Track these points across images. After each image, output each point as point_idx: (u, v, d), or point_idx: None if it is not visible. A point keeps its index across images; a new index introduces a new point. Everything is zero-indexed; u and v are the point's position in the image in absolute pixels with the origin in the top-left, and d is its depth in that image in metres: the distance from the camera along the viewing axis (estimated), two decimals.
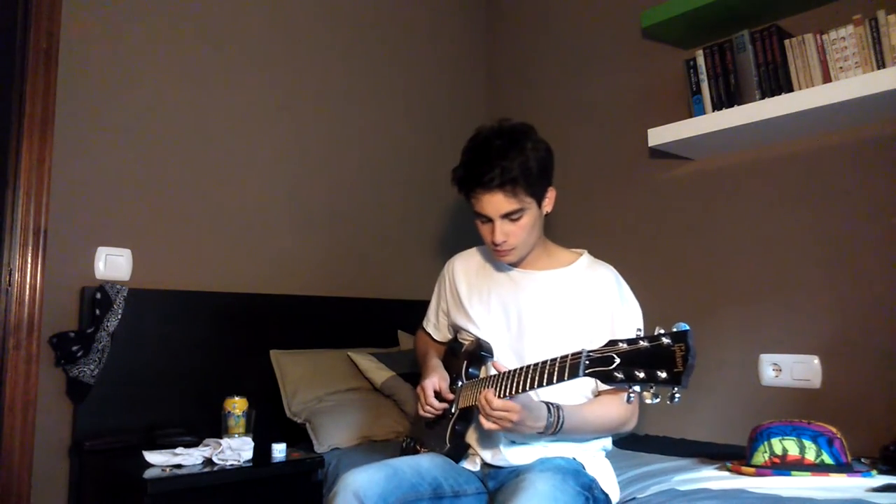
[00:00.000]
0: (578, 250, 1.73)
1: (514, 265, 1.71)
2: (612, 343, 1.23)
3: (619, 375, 1.19)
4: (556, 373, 1.31)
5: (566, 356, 1.31)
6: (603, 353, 1.23)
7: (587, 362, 1.25)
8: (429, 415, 1.64)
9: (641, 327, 1.38)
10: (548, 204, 1.65)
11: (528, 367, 1.38)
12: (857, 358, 1.98)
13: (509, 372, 1.42)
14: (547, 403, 1.44)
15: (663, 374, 1.13)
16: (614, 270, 1.69)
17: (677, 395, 1.13)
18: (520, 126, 1.62)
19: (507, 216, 1.58)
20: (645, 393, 1.17)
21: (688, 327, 1.14)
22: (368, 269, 2.80)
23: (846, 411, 1.93)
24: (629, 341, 1.21)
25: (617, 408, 1.54)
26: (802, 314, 2.10)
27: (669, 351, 1.14)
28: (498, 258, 1.67)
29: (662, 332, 1.17)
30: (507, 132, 1.59)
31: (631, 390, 1.20)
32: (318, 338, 2.54)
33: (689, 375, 1.11)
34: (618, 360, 1.20)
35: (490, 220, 1.60)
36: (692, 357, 1.12)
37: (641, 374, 1.16)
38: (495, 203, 1.57)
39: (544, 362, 1.35)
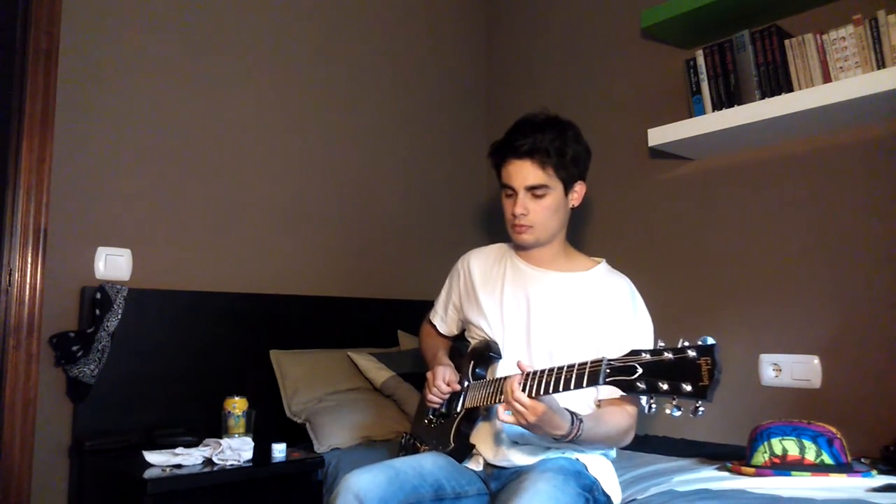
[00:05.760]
0: (597, 258, 1.73)
1: (531, 260, 1.70)
2: (635, 353, 1.22)
3: (642, 386, 1.18)
4: (573, 379, 1.30)
5: (585, 363, 1.29)
6: (625, 363, 1.22)
7: (608, 370, 1.24)
8: (435, 398, 1.64)
9: (652, 342, 1.37)
10: (576, 198, 1.68)
11: (546, 370, 1.36)
12: (857, 358, 1.98)
13: (530, 373, 1.40)
14: (570, 412, 1.42)
15: (688, 387, 1.12)
16: (630, 282, 1.68)
17: (701, 409, 1.12)
18: (567, 119, 1.67)
19: (531, 190, 1.60)
20: (666, 405, 1.16)
21: (714, 341, 1.13)
22: (368, 269, 2.80)
23: (846, 411, 1.94)
24: (652, 352, 1.20)
25: (624, 420, 1.53)
26: (802, 314, 2.11)
27: (695, 364, 1.13)
28: (515, 236, 1.67)
29: (687, 344, 1.16)
30: (552, 117, 1.65)
31: (652, 401, 1.19)
32: (318, 338, 2.54)
33: (715, 390, 1.11)
34: (640, 370, 1.19)
35: (514, 193, 1.62)
36: (718, 371, 1.11)
37: (665, 386, 1.15)
38: (523, 171, 1.59)
39: (561, 367, 1.34)
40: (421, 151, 3.02)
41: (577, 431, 1.39)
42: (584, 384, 1.28)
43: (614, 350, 1.27)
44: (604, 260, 1.72)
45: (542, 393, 1.35)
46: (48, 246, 2.08)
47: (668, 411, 1.16)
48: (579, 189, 1.67)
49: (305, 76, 2.68)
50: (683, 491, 1.53)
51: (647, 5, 2.38)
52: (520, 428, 1.39)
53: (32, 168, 2.06)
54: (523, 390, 1.37)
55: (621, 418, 1.53)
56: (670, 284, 2.43)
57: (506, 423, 1.39)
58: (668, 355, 1.17)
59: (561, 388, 1.31)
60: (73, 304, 2.12)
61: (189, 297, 2.29)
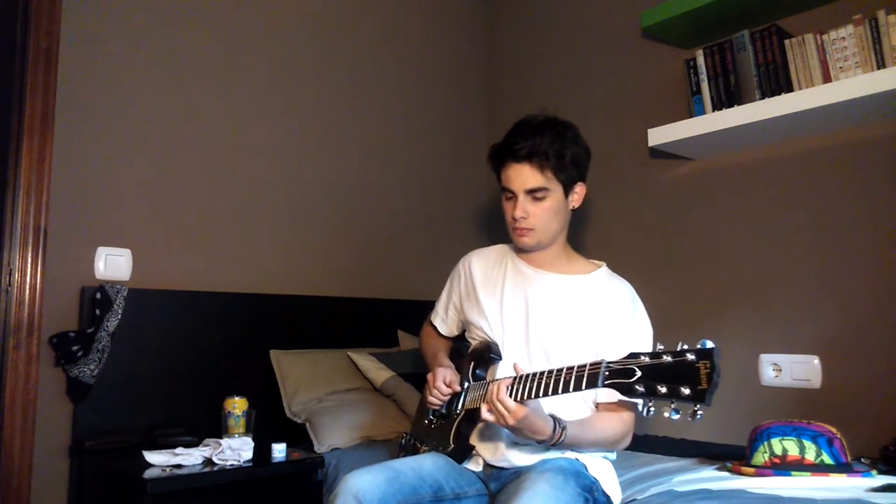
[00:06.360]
0: (598, 262, 1.72)
1: (531, 262, 1.70)
2: (634, 356, 1.22)
3: (640, 389, 1.18)
4: (572, 381, 1.30)
5: (584, 365, 1.29)
6: (624, 366, 1.22)
7: (607, 373, 1.24)
8: (436, 400, 1.64)
9: (650, 348, 1.38)
10: (576, 199, 1.67)
11: (544, 372, 1.36)
12: (857, 358, 1.98)
13: (524, 375, 1.40)
14: (554, 418, 1.42)
15: (686, 391, 1.12)
16: (631, 287, 1.67)
17: (700, 413, 1.12)
18: (565, 120, 1.66)
19: (531, 193, 1.59)
20: (664, 408, 1.16)
21: (714, 345, 1.13)
22: (368, 269, 2.80)
23: (846, 411, 1.94)
24: (651, 355, 1.20)
25: (616, 425, 1.53)
26: (802, 314, 2.11)
27: (694, 367, 1.13)
28: (516, 239, 1.67)
29: (686, 347, 1.16)
30: (551, 118, 1.64)
31: (651, 404, 1.19)
32: (318, 338, 2.54)
33: (713, 393, 1.11)
34: (639, 373, 1.19)
35: (514, 196, 1.61)
36: (717, 375, 1.11)
37: (663, 389, 1.15)
38: (522, 175, 1.59)
39: (560, 369, 1.34)
40: (421, 151, 3.02)
41: (559, 437, 1.41)
42: (583, 386, 1.28)
43: (613, 354, 1.27)
44: (605, 264, 1.72)
45: (539, 395, 1.35)
46: (48, 246, 2.08)
47: (666, 415, 1.16)
48: (579, 190, 1.67)
49: (306, 77, 2.68)
50: (683, 491, 1.53)
51: (647, 5, 2.38)
52: None
53: (32, 168, 2.06)
54: (520, 392, 1.38)
55: (612, 424, 1.53)
56: (670, 284, 2.43)
57: (487, 421, 1.41)
58: (667, 358, 1.17)
59: (560, 391, 1.32)
60: (73, 304, 2.12)
61: (189, 297, 2.29)
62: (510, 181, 1.61)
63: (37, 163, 2.07)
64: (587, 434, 1.49)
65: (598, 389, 1.28)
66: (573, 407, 1.54)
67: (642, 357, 1.21)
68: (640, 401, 1.20)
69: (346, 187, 2.76)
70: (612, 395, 1.28)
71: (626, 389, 1.20)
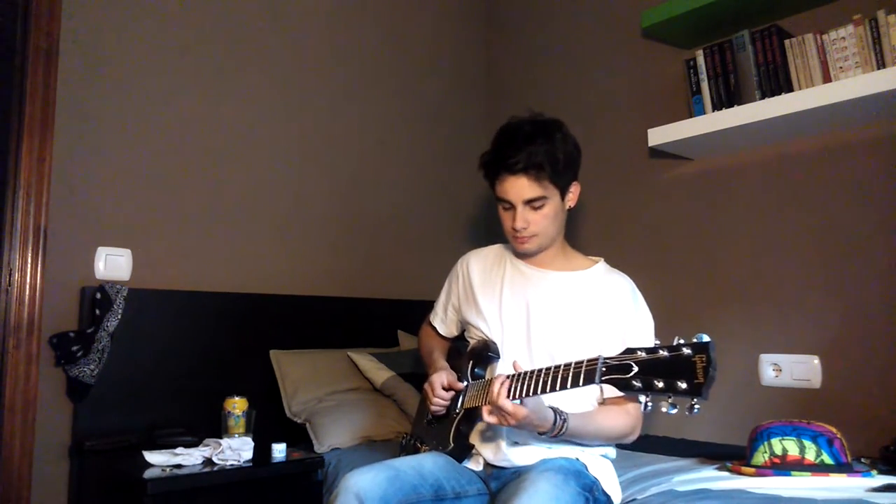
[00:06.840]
0: (595, 258, 1.72)
1: (530, 261, 1.70)
2: (630, 351, 1.22)
3: (637, 384, 1.19)
4: (570, 378, 1.31)
5: (581, 362, 1.30)
6: (621, 361, 1.23)
7: (604, 369, 1.25)
8: (438, 407, 1.64)
9: (652, 339, 1.38)
10: (571, 199, 1.67)
11: (542, 370, 1.37)
12: (857, 358, 1.98)
13: (522, 373, 1.41)
14: (554, 410, 1.43)
15: (683, 385, 1.13)
16: (630, 280, 1.67)
17: (696, 407, 1.13)
18: (551, 119, 1.65)
19: (529, 203, 1.59)
20: (662, 403, 1.17)
21: (709, 339, 1.14)
22: (368, 269, 2.80)
23: (846, 411, 1.94)
24: (648, 350, 1.20)
25: (621, 419, 1.53)
26: (802, 314, 2.10)
27: (690, 362, 1.14)
28: (517, 246, 1.67)
29: (682, 342, 1.16)
30: (537, 122, 1.63)
31: (648, 399, 1.19)
32: (318, 338, 2.54)
33: (710, 387, 1.11)
34: (636, 369, 1.20)
35: (512, 207, 1.61)
36: (713, 369, 1.11)
37: (660, 384, 1.16)
38: (519, 187, 1.58)
39: (557, 367, 1.34)
40: (421, 151, 3.02)
41: (560, 430, 1.42)
42: (581, 383, 1.29)
43: (615, 348, 1.27)
44: (602, 259, 1.72)
45: (538, 392, 1.35)
46: (48, 246, 2.08)
47: (664, 409, 1.17)
48: (574, 190, 1.67)
49: (305, 78, 2.68)
50: (683, 491, 1.53)
51: (647, 5, 2.38)
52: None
53: (32, 168, 2.06)
54: (519, 390, 1.38)
55: (617, 418, 1.53)
56: (670, 284, 2.42)
57: (489, 423, 1.41)
58: (664, 353, 1.18)
59: (558, 388, 1.32)
60: (73, 304, 2.12)
61: (189, 297, 2.29)
62: (507, 193, 1.60)
63: (37, 163, 2.07)
64: (590, 426, 1.50)
65: (601, 385, 1.28)
66: (575, 403, 1.54)
67: (639, 352, 1.21)
68: (641, 395, 1.20)
69: (346, 187, 2.76)
70: (615, 391, 1.28)
71: (624, 385, 1.21)
